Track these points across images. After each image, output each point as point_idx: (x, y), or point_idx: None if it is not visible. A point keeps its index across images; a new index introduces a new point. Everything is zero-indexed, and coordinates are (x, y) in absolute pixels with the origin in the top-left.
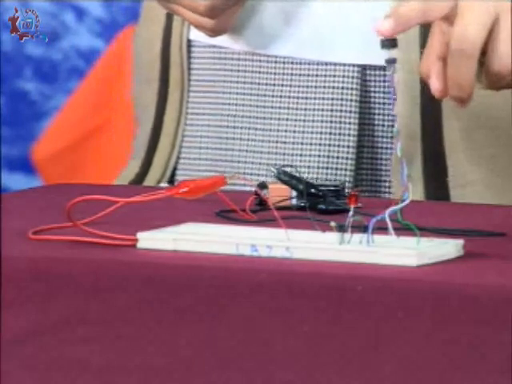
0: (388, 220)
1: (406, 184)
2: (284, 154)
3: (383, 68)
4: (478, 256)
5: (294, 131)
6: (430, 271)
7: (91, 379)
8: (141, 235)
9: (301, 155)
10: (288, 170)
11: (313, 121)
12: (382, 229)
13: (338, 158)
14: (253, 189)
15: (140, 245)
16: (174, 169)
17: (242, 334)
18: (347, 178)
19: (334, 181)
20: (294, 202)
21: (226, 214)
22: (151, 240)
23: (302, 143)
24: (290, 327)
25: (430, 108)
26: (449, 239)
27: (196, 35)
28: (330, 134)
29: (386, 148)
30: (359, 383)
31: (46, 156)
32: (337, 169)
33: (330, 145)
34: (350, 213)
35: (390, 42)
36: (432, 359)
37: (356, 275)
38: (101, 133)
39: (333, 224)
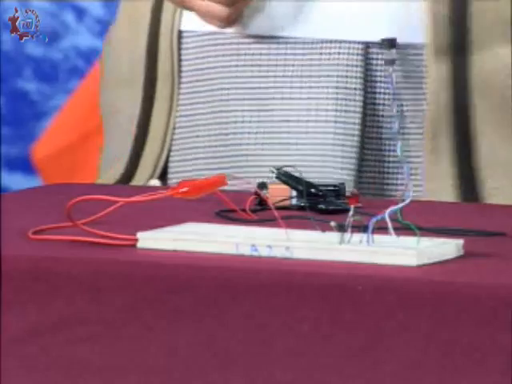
0: (388, 220)
1: (407, 184)
2: (289, 133)
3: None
4: (478, 256)
5: (299, 109)
6: (429, 271)
7: (91, 379)
8: (141, 235)
9: (306, 133)
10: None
11: (317, 98)
12: (382, 229)
13: (344, 134)
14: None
15: (140, 245)
16: (165, 165)
17: (242, 334)
18: (351, 155)
19: (340, 157)
20: (293, 201)
21: (226, 213)
22: (151, 240)
23: (307, 121)
24: (289, 327)
25: (459, 86)
26: (449, 239)
27: (188, 25)
28: (336, 110)
29: (389, 128)
30: (359, 383)
31: (45, 156)
32: (343, 145)
33: (335, 121)
34: (350, 213)
35: (389, 42)
36: (432, 359)
37: (356, 275)
38: (101, 133)
39: (333, 224)
